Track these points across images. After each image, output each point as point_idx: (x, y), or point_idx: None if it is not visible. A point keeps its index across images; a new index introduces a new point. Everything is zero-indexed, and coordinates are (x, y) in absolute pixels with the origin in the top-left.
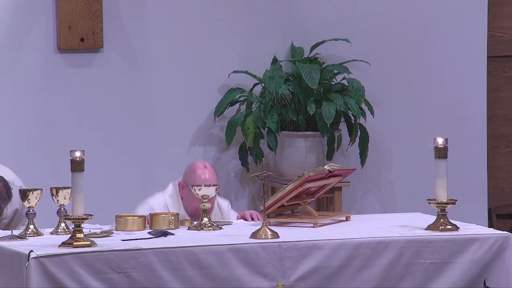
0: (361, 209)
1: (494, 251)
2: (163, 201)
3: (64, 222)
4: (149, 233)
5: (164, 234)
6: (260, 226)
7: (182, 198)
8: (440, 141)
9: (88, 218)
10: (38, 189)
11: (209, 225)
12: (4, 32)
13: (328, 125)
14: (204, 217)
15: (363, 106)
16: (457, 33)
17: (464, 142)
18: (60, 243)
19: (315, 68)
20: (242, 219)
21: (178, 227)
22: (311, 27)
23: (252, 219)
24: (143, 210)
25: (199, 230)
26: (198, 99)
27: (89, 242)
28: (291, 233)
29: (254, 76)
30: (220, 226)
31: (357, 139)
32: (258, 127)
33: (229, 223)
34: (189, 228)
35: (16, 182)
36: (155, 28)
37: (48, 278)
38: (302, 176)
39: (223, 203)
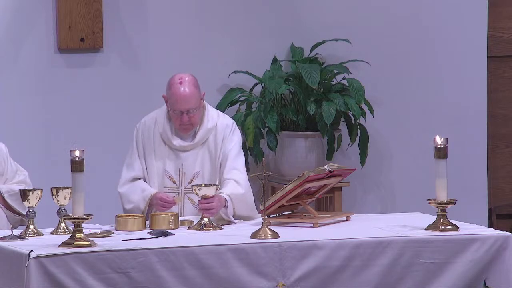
0: (361, 209)
1: (494, 251)
2: (154, 116)
3: (64, 222)
4: (149, 233)
5: (164, 234)
6: (260, 226)
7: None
8: (440, 141)
9: (88, 218)
10: (38, 189)
11: (209, 225)
12: (4, 32)
13: (328, 125)
14: (204, 217)
15: (363, 106)
16: (457, 33)
17: (464, 142)
18: (60, 243)
19: (315, 68)
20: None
21: (178, 227)
22: (311, 27)
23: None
24: (139, 127)
25: (199, 230)
26: None
27: (89, 242)
28: (291, 233)
29: (254, 76)
30: (220, 226)
31: (357, 139)
32: (258, 127)
33: (228, 223)
34: (189, 228)
35: None
36: (155, 28)
37: (48, 278)
38: (302, 176)
39: (222, 122)
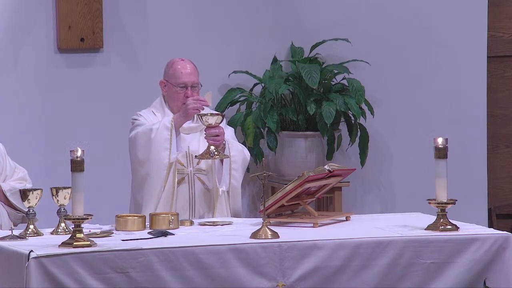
0: (361, 209)
1: (494, 251)
2: (149, 110)
3: (64, 222)
4: (149, 233)
5: (164, 234)
6: (260, 226)
7: (164, 99)
8: (440, 141)
9: (88, 218)
10: (38, 189)
11: (216, 153)
12: (4, 31)
13: (328, 125)
14: (211, 145)
15: (363, 106)
16: (457, 33)
17: (464, 142)
18: (60, 243)
19: (315, 68)
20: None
21: (178, 227)
22: (311, 27)
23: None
24: (141, 129)
25: (207, 158)
26: None
27: (89, 242)
28: (291, 233)
29: (254, 76)
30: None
31: (357, 139)
32: (258, 127)
33: (229, 223)
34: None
35: None
36: (155, 28)
37: (48, 278)
38: (302, 176)
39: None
